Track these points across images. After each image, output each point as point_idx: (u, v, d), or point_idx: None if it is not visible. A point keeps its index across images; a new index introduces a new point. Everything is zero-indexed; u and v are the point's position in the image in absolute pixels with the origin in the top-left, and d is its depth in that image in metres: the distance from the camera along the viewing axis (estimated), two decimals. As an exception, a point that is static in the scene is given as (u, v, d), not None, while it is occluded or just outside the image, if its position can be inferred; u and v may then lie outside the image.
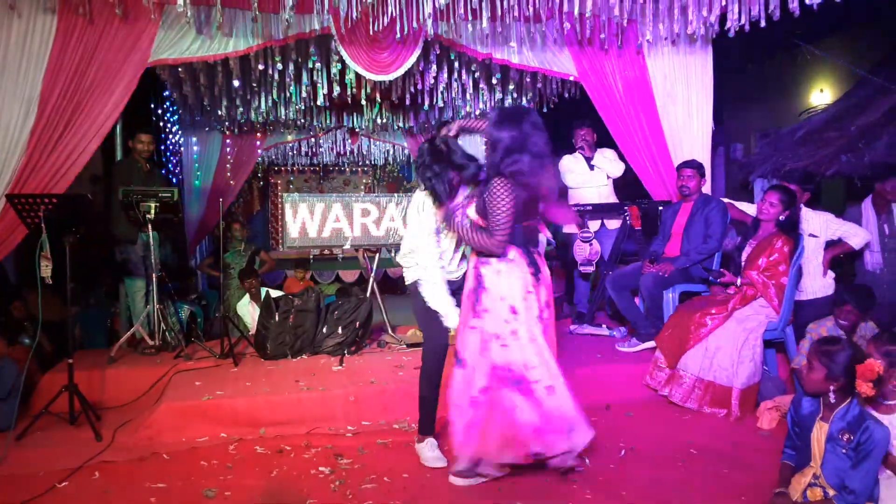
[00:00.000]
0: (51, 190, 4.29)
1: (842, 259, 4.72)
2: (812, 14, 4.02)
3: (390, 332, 5.28)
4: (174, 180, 7.59)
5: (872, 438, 2.38)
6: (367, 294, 5.23)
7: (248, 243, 7.15)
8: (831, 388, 2.50)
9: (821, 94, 6.40)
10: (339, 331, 4.81)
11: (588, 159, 5.53)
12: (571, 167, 5.60)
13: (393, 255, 7.89)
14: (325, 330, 4.83)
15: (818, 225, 4.57)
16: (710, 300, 4.33)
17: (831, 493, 2.43)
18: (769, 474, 2.97)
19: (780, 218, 4.18)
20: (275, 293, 5.19)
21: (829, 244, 4.61)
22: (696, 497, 2.90)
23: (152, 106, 6.85)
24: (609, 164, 5.50)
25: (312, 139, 9.13)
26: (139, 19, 4.35)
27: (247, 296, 5.80)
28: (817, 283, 4.57)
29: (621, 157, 5.44)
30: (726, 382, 3.95)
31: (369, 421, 3.88)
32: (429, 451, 3.30)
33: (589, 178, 5.55)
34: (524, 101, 6.57)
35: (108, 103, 4.40)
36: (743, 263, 4.30)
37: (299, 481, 3.13)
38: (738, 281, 4.21)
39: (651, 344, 4.50)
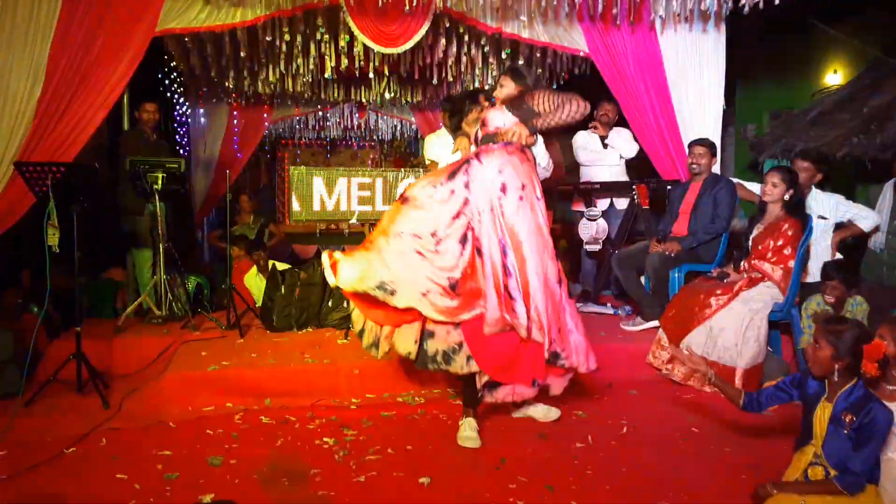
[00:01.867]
0: (58, 159, 4.28)
1: (850, 242, 4.68)
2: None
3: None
4: (182, 152, 7.58)
5: (875, 420, 2.38)
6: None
7: (256, 215, 7.15)
8: (836, 367, 2.49)
9: (834, 75, 6.31)
10: (345, 304, 4.78)
11: (602, 138, 5.49)
12: (585, 143, 5.56)
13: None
14: (330, 303, 4.84)
15: (828, 206, 4.53)
16: (716, 280, 4.31)
17: (832, 472, 2.44)
18: (771, 454, 2.99)
19: (785, 198, 4.14)
20: (281, 266, 5.19)
21: (839, 226, 4.58)
22: (698, 476, 2.91)
23: (159, 76, 6.81)
24: (623, 143, 5.47)
25: (320, 113, 9.09)
26: (147, -12, 4.31)
27: (254, 268, 5.82)
28: (826, 265, 4.53)
29: (635, 138, 5.40)
30: (730, 363, 3.94)
31: (373, 394, 3.90)
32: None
33: (601, 155, 5.52)
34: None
35: (115, 73, 4.40)
36: (749, 246, 4.28)
37: (304, 451, 3.16)
38: (744, 274, 4.20)
39: (655, 323, 4.49)
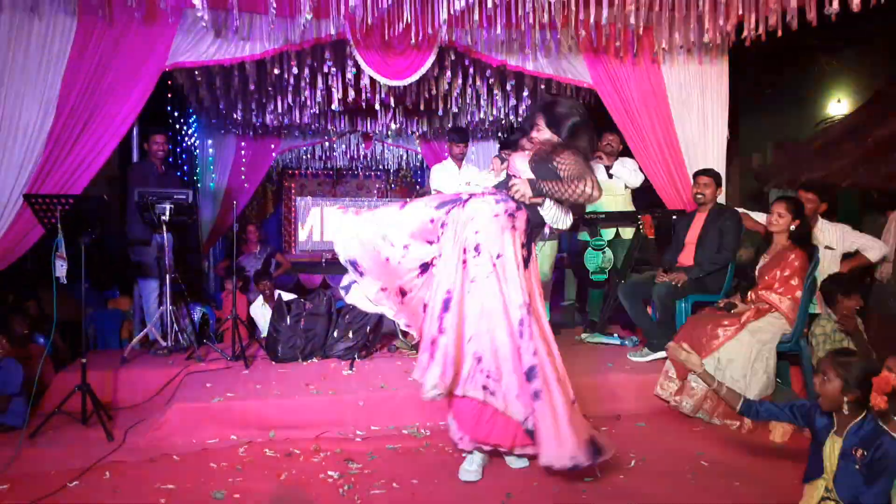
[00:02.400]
0: (67, 190, 4.34)
1: (858, 272, 4.67)
2: (830, 25, 3.98)
3: (401, 337, 5.26)
4: (189, 182, 7.64)
5: (887, 454, 2.34)
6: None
7: (262, 245, 7.18)
8: (845, 400, 2.47)
9: (838, 105, 6.35)
10: (350, 335, 4.81)
11: (607, 167, 5.52)
12: None
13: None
14: (335, 334, 4.83)
15: (835, 237, 4.53)
16: (723, 312, 4.30)
17: (844, 507, 2.40)
18: (781, 489, 2.94)
19: (791, 228, 4.14)
20: (287, 296, 5.20)
21: (846, 256, 4.56)
22: (707, 510, 2.87)
23: (168, 108, 6.90)
24: (628, 173, 5.49)
25: (326, 143, 9.17)
26: (157, 23, 4.41)
27: (260, 297, 5.83)
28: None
29: (640, 168, 5.42)
30: (739, 394, 3.91)
31: (379, 426, 3.86)
32: None
33: (606, 185, 5.53)
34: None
35: (126, 106, 4.45)
36: (756, 277, 4.27)
37: (308, 485, 3.12)
38: (751, 305, 4.18)
39: (663, 354, 4.45)
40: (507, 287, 2.99)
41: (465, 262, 3.03)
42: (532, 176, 3.05)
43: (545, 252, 5.14)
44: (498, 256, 3.00)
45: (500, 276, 2.99)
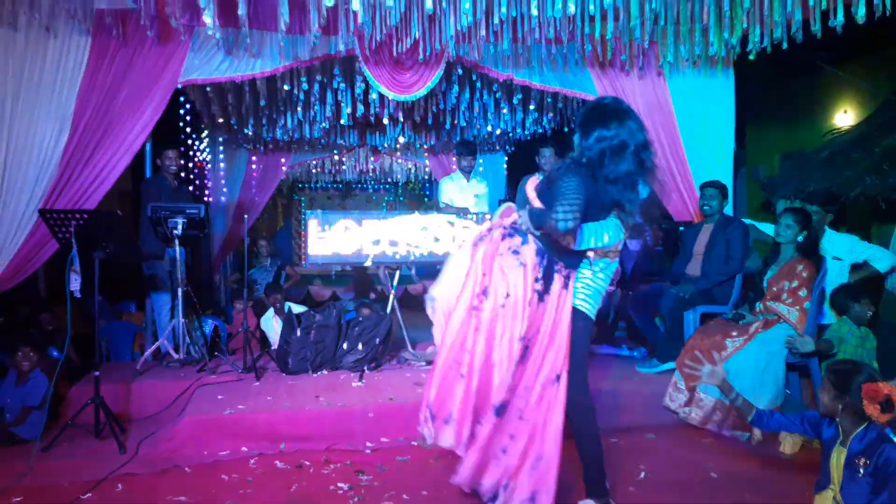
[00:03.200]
0: (81, 206, 4.40)
1: (867, 283, 4.65)
2: (835, 36, 3.99)
3: (410, 349, 5.27)
4: (200, 196, 7.72)
5: (889, 461, 2.34)
6: (388, 311, 5.25)
7: (273, 258, 7.24)
8: (839, 408, 2.49)
9: (844, 116, 6.34)
10: (360, 347, 4.82)
11: None
12: None
13: (413, 272, 7.92)
14: (345, 346, 4.85)
15: (843, 247, 4.52)
16: (732, 322, 4.29)
17: (854, 518, 2.40)
18: (792, 500, 2.93)
19: (799, 239, 4.15)
20: (297, 308, 5.23)
21: (855, 267, 4.55)
22: (717, 522, 2.87)
23: (181, 124, 6.99)
24: None
25: (336, 157, 9.25)
26: (170, 41, 4.47)
27: (271, 310, 5.86)
28: (842, 305, 4.49)
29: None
30: (747, 406, 3.90)
31: (388, 438, 3.87)
32: None
33: None
34: (545, 121, 6.60)
35: (139, 122, 4.51)
36: (764, 288, 4.26)
37: (318, 497, 3.13)
38: (760, 315, 4.18)
39: (671, 365, 4.44)
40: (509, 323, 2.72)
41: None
42: (538, 202, 2.74)
43: None
44: (506, 296, 2.71)
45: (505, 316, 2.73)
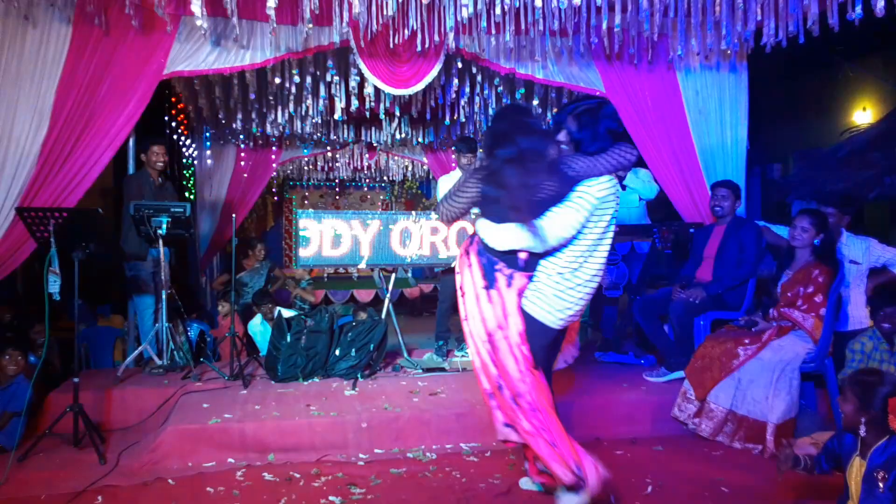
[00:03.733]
0: (61, 203, 4.27)
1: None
2: (853, 31, 3.90)
3: (406, 355, 5.16)
4: (187, 194, 7.54)
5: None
6: (383, 315, 5.11)
7: (263, 261, 7.10)
8: (862, 421, 2.42)
9: (864, 113, 6.24)
10: (353, 353, 4.69)
11: (620, 178, 5.39)
12: None
13: (409, 275, 7.81)
14: (337, 352, 4.71)
15: (861, 251, 4.39)
16: (744, 329, 4.16)
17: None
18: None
19: (815, 242, 4.03)
20: (287, 313, 5.09)
21: (873, 272, 4.41)
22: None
23: (166, 118, 6.80)
24: (642, 185, 5.38)
25: (329, 154, 9.08)
26: (155, 31, 4.37)
27: (258, 315, 5.71)
28: (861, 311, 4.35)
29: (654, 179, 5.32)
30: (760, 417, 3.78)
31: (382, 449, 3.77)
32: None
33: (620, 197, 5.41)
34: (549, 117, 6.49)
35: (122, 116, 4.39)
36: (778, 294, 4.14)
37: (308, 513, 3.03)
38: (773, 322, 4.06)
39: (681, 374, 4.32)
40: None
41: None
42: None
43: None
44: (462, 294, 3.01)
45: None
